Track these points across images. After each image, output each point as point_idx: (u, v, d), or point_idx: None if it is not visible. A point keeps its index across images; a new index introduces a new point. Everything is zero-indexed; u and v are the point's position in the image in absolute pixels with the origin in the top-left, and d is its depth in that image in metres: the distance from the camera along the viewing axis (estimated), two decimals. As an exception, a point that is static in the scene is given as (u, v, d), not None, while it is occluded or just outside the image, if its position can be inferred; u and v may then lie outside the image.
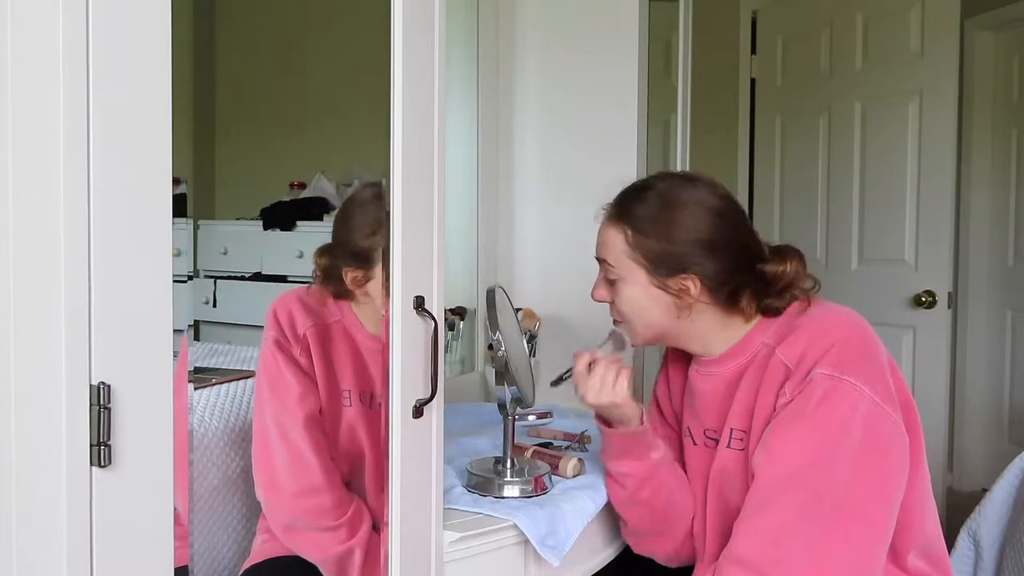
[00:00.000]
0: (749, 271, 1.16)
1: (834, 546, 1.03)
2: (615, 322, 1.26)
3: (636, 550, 1.34)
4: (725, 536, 1.18)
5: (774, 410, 1.10)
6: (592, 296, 1.25)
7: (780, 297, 1.16)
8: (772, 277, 1.16)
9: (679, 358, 1.31)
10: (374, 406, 1.33)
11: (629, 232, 1.17)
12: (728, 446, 1.17)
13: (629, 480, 1.24)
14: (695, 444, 1.26)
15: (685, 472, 1.28)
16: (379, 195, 1.27)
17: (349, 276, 1.27)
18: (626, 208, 1.19)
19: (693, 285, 1.15)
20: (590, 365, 1.20)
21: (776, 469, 1.06)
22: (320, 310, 1.31)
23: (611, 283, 1.22)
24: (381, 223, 1.20)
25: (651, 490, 1.24)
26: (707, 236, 1.14)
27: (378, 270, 1.24)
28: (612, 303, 1.23)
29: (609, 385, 1.18)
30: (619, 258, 1.19)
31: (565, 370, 1.25)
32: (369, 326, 1.32)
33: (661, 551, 1.31)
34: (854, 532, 1.04)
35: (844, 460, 1.03)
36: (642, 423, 1.22)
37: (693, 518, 1.27)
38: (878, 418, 1.05)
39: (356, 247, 1.26)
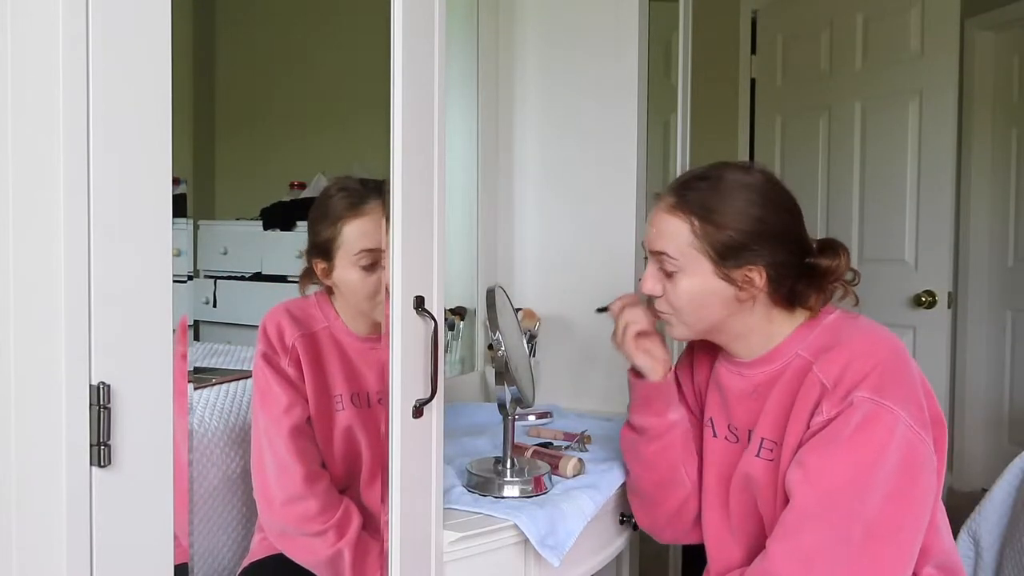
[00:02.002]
0: (803, 265, 1.17)
1: (864, 568, 1.05)
2: (659, 314, 1.24)
3: (639, 521, 1.38)
4: (751, 538, 1.21)
5: (808, 427, 1.11)
6: (642, 288, 1.22)
7: (828, 291, 1.18)
8: (825, 271, 1.16)
9: (706, 348, 1.31)
10: (369, 405, 1.35)
11: (696, 221, 1.14)
12: (757, 455, 1.18)
13: (643, 433, 1.28)
14: (715, 436, 1.27)
15: (700, 460, 1.29)
16: (343, 188, 1.32)
17: (318, 268, 1.33)
18: (691, 197, 1.16)
19: (759, 276, 1.14)
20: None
21: (812, 491, 1.07)
22: (307, 319, 1.35)
23: (667, 275, 1.18)
24: (339, 212, 1.29)
25: (657, 449, 1.26)
26: (774, 228, 1.14)
27: (339, 256, 1.30)
28: (661, 296, 1.21)
29: (618, 335, 1.27)
30: (682, 249, 1.15)
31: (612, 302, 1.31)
32: (355, 327, 1.35)
33: (657, 525, 1.35)
34: (884, 555, 1.06)
35: (878, 485, 1.05)
36: (664, 378, 1.26)
37: (701, 508, 1.28)
38: (913, 443, 1.06)
39: (319, 238, 1.31)
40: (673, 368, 1.33)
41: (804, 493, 1.08)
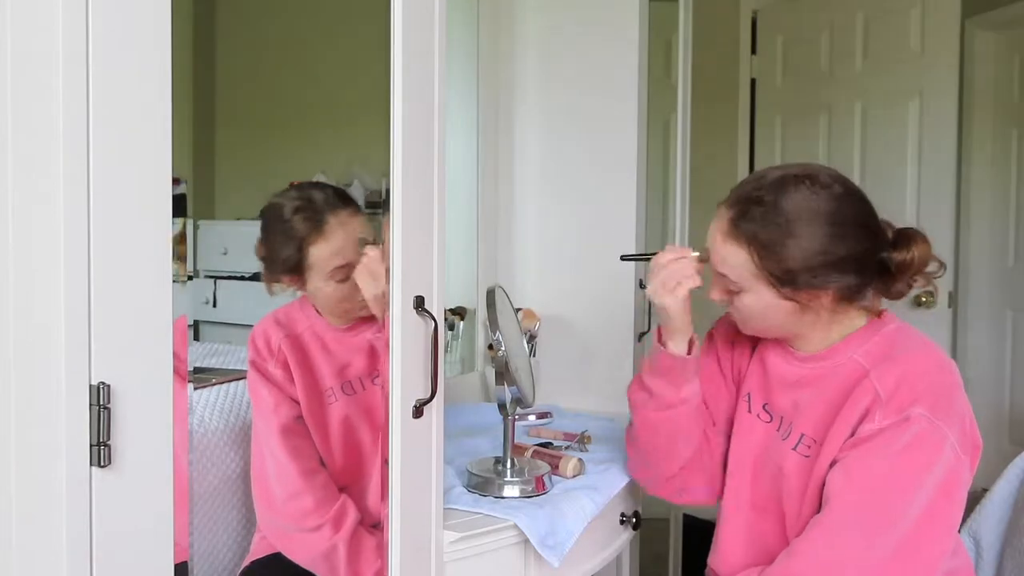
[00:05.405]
0: (875, 266, 1.14)
1: None
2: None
3: (630, 470, 1.40)
4: (768, 522, 1.20)
5: (853, 432, 1.10)
6: (710, 297, 1.21)
7: (905, 284, 1.16)
8: (899, 267, 1.14)
9: None
10: (364, 388, 1.36)
11: (755, 254, 1.12)
12: (795, 448, 1.17)
13: (652, 396, 1.25)
14: (750, 412, 1.26)
15: (730, 431, 1.29)
16: (300, 208, 1.31)
17: (285, 280, 1.34)
18: (747, 227, 1.12)
19: (825, 295, 1.13)
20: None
21: (854, 498, 1.08)
22: (290, 321, 1.37)
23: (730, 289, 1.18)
24: (303, 234, 1.28)
25: (662, 418, 1.25)
26: (838, 253, 1.10)
27: (311, 274, 1.30)
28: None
29: (669, 288, 1.18)
30: (742, 275, 1.14)
31: (647, 253, 1.27)
32: (335, 321, 1.36)
33: (647, 480, 1.36)
34: (911, 568, 1.06)
35: (918, 501, 1.05)
36: (690, 352, 1.22)
37: (725, 476, 1.28)
38: (954, 465, 1.07)
39: (286, 265, 1.31)
40: (714, 335, 1.34)
41: (844, 499, 1.08)
